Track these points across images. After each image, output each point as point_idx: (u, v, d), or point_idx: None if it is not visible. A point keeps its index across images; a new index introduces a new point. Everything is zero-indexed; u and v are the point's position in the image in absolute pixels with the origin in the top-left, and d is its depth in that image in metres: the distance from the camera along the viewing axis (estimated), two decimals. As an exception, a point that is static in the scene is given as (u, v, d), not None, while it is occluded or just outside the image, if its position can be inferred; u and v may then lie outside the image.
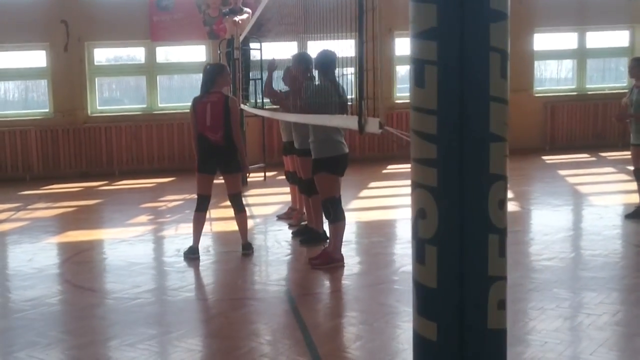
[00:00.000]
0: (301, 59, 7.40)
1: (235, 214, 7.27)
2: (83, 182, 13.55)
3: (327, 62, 6.47)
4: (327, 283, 6.42)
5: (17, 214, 10.54)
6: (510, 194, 10.41)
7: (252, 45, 12.26)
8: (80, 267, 7.22)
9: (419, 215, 2.83)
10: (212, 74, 7.12)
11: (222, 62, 12.30)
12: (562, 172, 12.51)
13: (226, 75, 7.27)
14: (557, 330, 4.82)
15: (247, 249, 7.26)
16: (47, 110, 14.75)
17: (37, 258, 7.57)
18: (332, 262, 6.59)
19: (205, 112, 7.01)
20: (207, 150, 7.07)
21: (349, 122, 4.16)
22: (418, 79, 2.77)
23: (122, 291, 6.24)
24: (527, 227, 8.40)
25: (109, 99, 15.71)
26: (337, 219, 6.58)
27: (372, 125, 3.41)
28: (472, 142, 2.72)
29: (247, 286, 6.40)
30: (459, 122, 2.70)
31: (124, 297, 6.06)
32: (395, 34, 14.66)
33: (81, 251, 7.87)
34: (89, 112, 14.68)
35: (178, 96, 15.36)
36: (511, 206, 9.43)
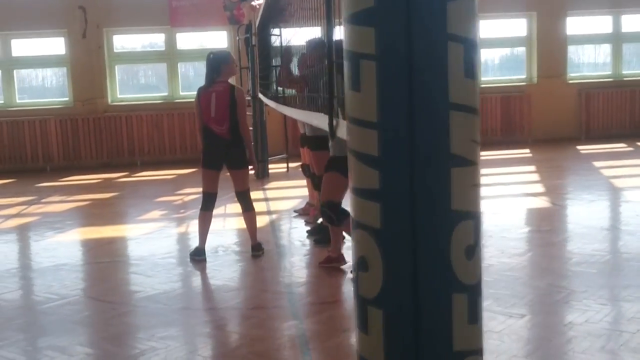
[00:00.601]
0: (316, 45, 6.94)
1: (243, 212, 6.89)
2: (103, 174, 13.35)
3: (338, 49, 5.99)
4: (338, 291, 5.99)
5: (28, 208, 10.33)
6: (541, 188, 9.90)
7: (272, 31, 11.82)
8: (79, 268, 6.92)
9: (360, 266, 2.11)
10: (217, 63, 6.74)
11: (239, 49, 11.94)
12: (597, 164, 11.90)
13: (232, 63, 6.88)
14: (585, 351, 4.33)
15: (257, 250, 6.87)
16: (66, 99, 14.56)
17: (37, 258, 7.30)
18: (332, 262, 6.28)
19: (210, 102, 6.64)
20: (212, 143, 6.69)
21: (321, 122, 3.60)
22: (352, 79, 2.06)
23: (114, 297, 5.90)
24: (557, 225, 7.87)
25: (129, 87, 15.44)
26: (342, 223, 6.10)
27: (343, 129, 2.86)
28: (426, 167, 2.00)
29: (252, 293, 6.00)
30: (407, 140, 1.99)
31: (116, 304, 5.71)
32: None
33: (83, 250, 7.59)
34: (109, 100, 14.46)
35: (200, 84, 14.96)
36: (541, 202, 8.94)
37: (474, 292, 2.08)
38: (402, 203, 2.01)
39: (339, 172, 6.04)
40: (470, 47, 2.03)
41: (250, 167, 6.86)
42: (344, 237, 6.49)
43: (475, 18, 2.01)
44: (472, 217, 2.06)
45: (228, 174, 6.90)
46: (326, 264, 6.31)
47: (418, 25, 1.98)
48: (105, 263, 7.16)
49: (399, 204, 2.01)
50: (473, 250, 2.07)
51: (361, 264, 2.09)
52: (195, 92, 7.02)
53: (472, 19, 2.04)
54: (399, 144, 2.00)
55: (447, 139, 2.00)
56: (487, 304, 5.15)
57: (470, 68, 2.03)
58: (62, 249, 7.72)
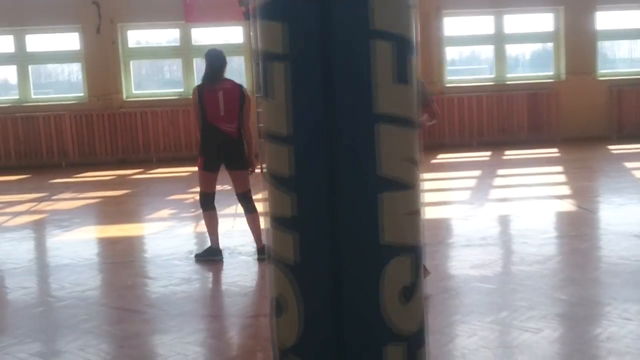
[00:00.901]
0: None
1: (246, 214, 6.61)
2: (118, 170, 13.21)
3: None
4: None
5: (39, 205, 10.17)
6: (568, 191, 9.46)
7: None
8: (80, 269, 6.61)
9: (276, 309, 1.76)
10: (222, 60, 6.47)
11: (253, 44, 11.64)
12: (629, 165, 11.41)
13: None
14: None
15: (263, 253, 6.54)
16: (81, 94, 14.48)
17: (38, 258, 7.13)
18: None
19: (218, 100, 6.35)
20: (216, 142, 6.41)
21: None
22: (264, 84, 1.74)
23: (112, 301, 5.62)
24: (583, 231, 7.39)
25: (144, 82, 15.31)
26: None
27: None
28: (349, 192, 1.62)
29: (254, 300, 5.68)
30: (326, 158, 1.63)
31: (112, 308, 5.42)
32: (444, 12, 13.80)
33: (87, 250, 7.31)
34: (124, 96, 14.32)
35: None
36: (568, 205, 8.49)
37: (413, 343, 1.69)
38: (321, 234, 1.63)
39: None
40: (402, 45, 1.65)
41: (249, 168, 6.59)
42: None
43: (409, 10, 1.61)
44: (409, 251, 1.69)
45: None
46: None
47: (337, 19, 1.62)
48: (107, 264, 6.92)
49: (317, 236, 1.63)
50: (411, 291, 1.68)
51: (277, 305, 1.73)
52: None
53: (404, 11, 1.66)
54: (316, 163, 1.64)
55: (374, 157, 1.63)
56: (502, 317, 4.81)
57: (403, 71, 1.66)
58: (66, 248, 7.49)
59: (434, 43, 13.91)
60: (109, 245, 7.58)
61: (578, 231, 7.33)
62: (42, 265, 6.83)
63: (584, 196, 9.11)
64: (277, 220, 1.69)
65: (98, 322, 5.17)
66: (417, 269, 1.67)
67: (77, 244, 7.68)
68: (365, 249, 1.62)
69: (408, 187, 1.66)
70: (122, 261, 6.92)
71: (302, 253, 1.65)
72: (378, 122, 1.62)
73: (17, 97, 14.49)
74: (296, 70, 1.64)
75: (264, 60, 1.69)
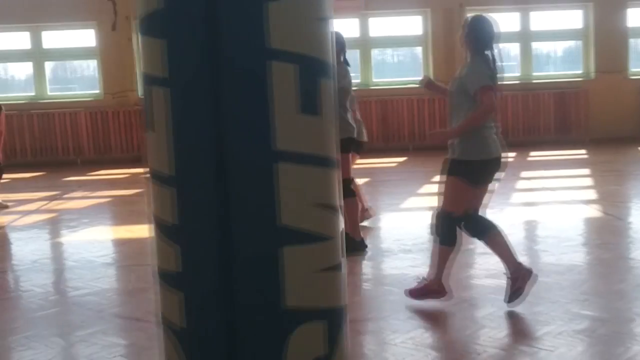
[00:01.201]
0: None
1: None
2: (133, 168, 13.07)
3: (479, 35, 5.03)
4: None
5: (49, 204, 10.05)
6: (594, 195, 9.05)
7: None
8: (81, 273, 6.40)
9: None
10: None
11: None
12: (660, 167, 10.98)
13: None
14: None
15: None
16: (97, 91, 14.46)
17: (41, 259, 6.92)
18: (429, 294, 5.05)
19: None
20: None
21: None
22: (147, 113, 1.39)
23: (109, 308, 5.41)
24: (609, 239, 6.95)
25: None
26: (443, 242, 4.97)
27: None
28: (243, 245, 1.27)
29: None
30: (216, 204, 1.32)
31: (107, 318, 5.18)
32: (467, 9, 13.41)
33: (91, 251, 7.09)
34: (139, 93, 14.15)
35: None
36: (593, 211, 8.09)
37: None
38: (211, 295, 1.29)
39: (459, 176, 4.86)
40: (308, 67, 1.30)
41: None
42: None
43: (321, 23, 1.26)
44: (322, 316, 1.35)
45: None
46: (420, 296, 5.06)
47: (227, 36, 1.26)
48: (111, 267, 6.71)
49: (206, 297, 1.30)
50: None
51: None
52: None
53: (312, 26, 1.29)
54: (204, 210, 1.29)
55: (273, 204, 1.28)
56: (515, 333, 4.52)
57: (310, 99, 1.33)
58: (71, 249, 7.31)
59: (456, 40, 13.52)
60: (114, 247, 7.39)
61: (603, 239, 6.93)
62: (44, 268, 6.64)
63: (612, 201, 8.68)
64: (162, 276, 1.42)
65: (93, 330, 4.93)
66: (333, 337, 1.34)
67: (83, 245, 7.49)
68: (264, 315, 1.33)
69: (320, 239, 1.34)
70: (126, 264, 6.74)
71: (188, 317, 1.37)
72: (278, 160, 1.32)
73: (32, 93, 14.49)
74: (180, 98, 1.34)
75: (144, 84, 1.38)
